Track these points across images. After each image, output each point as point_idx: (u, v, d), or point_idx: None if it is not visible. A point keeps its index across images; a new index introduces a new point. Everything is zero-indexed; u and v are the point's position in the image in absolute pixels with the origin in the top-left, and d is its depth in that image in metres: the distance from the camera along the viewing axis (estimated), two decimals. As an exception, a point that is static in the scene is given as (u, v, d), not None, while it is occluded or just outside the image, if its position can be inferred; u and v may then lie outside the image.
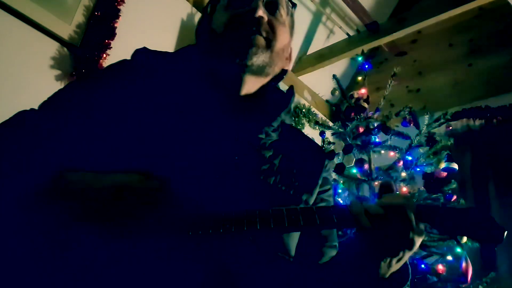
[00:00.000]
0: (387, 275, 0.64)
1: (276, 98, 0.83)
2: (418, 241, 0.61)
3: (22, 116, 0.70)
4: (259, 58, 0.76)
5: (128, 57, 0.82)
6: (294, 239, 0.72)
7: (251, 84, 0.81)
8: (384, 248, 0.62)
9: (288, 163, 0.76)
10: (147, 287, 0.55)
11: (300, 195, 0.75)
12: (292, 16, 0.89)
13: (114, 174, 0.59)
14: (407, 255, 0.62)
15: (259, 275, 0.64)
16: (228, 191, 0.65)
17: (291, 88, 0.87)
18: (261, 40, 0.77)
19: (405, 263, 0.66)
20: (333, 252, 0.79)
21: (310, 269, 0.74)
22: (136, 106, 0.69)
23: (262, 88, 0.83)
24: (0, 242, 0.54)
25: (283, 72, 0.88)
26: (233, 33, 0.77)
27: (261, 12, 0.77)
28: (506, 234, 0.60)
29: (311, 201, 0.78)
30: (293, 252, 0.72)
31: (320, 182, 0.81)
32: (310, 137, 0.94)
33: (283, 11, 0.83)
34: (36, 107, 0.73)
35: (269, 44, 0.79)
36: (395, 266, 0.64)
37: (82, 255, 0.54)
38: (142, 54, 0.81)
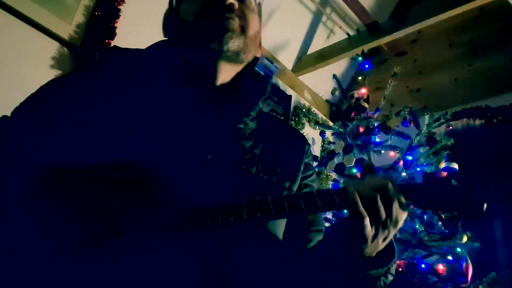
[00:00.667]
0: (374, 254, 0.65)
1: (252, 86, 0.83)
2: (402, 217, 0.63)
3: None
4: (234, 43, 0.76)
5: (100, 59, 0.83)
6: (280, 227, 0.73)
7: (226, 73, 0.80)
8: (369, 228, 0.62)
9: (268, 151, 0.76)
10: (137, 286, 0.55)
11: (283, 182, 0.75)
12: (259, 5, 0.89)
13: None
14: (392, 233, 0.64)
15: (249, 266, 0.64)
16: (210, 183, 0.65)
17: (267, 76, 0.87)
18: (235, 25, 0.77)
19: (391, 241, 0.67)
20: (320, 237, 0.80)
21: (299, 255, 0.75)
22: (111, 105, 0.69)
23: (237, 77, 0.83)
24: None
25: (256, 59, 0.88)
26: (206, 19, 0.77)
27: None
28: (486, 207, 0.62)
29: (295, 188, 0.78)
30: (280, 239, 0.72)
31: (302, 168, 0.82)
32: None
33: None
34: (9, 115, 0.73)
35: (243, 29, 0.79)
36: (382, 245, 0.64)
37: (72, 255, 0.55)
38: (113, 53, 0.81)
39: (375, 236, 0.62)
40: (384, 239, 0.64)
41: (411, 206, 0.65)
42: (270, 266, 0.67)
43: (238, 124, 0.75)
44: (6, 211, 0.57)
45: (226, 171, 0.69)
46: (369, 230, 0.61)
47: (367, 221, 0.60)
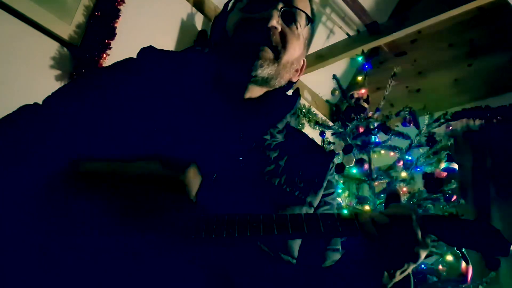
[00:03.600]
0: (389, 286, 0.64)
1: (280, 100, 0.82)
2: (423, 254, 0.60)
3: (27, 110, 0.70)
4: (264, 71, 0.75)
5: (133, 57, 0.82)
6: (297, 241, 0.72)
7: (255, 92, 0.80)
8: (388, 259, 0.61)
9: (293, 164, 0.76)
10: None
11: (305, 196, 0.75)
12: (311, 27, 0.86)
13: (138, 163, 0.58)
14: (411, 267, 0.62)
15: (261, 281, 0.63)
16: (232, 191, 0.65)
17: (296, 91, 0.86)
18: (268, 53, 0.75)
19: (408, 274, 0.65)
20: (336, 256, 0.78)
21: (312, 274, 0.74)
22: (141, 104, 0.69)
23: (267, 93, 0.82)
24: (13, 233, 0.54)
25: (290, 84, 0.86)
26: (242, 39, 0.75)
27: (274, 22, 0.75)
28: None
29: (315, 203, 0.78)
30: (296, 254, 0.71)
31: (324, 184, 0.81)
32: (310, 136, 0.93)
33: (299, 23, 0.80)
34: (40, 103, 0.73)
35: (277, 56, 0.77)
36: (398, 277, 0.63)
37: (88, 250, 0.54)
38: (148, 52, 0.80)
39: (393, 269, 0.61)
40: (402, 272, 0.62)
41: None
42: (282, 284, 0.66)
43: (264, 135, 0.74)
44: (25, 202, 0.56)
45: (248, 180, 0.68)
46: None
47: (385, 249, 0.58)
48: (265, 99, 0.81)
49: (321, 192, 0.79)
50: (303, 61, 0.88)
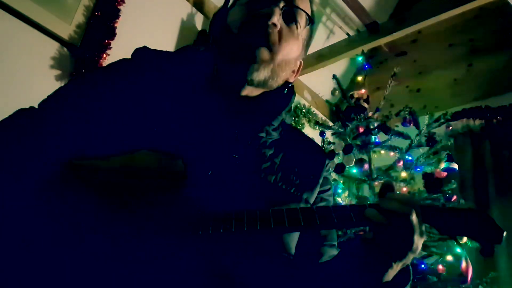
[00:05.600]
0: (391, 278, 0.64)
1: (276, 97, 0.82)
2: (421, 243, 0.61)
3: (23, 114, 0.70)
4: (259, 74, 0.75)
5: (128, 57, 0.82)
6: (293, 238, 0.72)
7: (252, 91, 0.80)
8: (387, 252, 0.61)
9: (289, 161, 0.76)
10: (147, 285, 0.55)
11: (301, 193, 0.75)
12: (311, 29, 0.85)
13: (128, 154, 0.59)
14: (411, 258, 0.62)
15: (259, 276, 0.64)
16: (228, 189, 0.65)
17: (291, 88, 0.86)
18: (265, 54, 0.75)
19: (407, 265, 0.65)
20: (333, 251, 0.79)
21: (310, 269, 0.74)
22: (136, 104, 0.69)
23: (263, 92, 0.82)
24: (14, 234, 0.54)
25: (286, 84, 0.85)
26: (242, 39, 0.75)
27: (275, 19, 0.74)
28: (505, 235, 0.61)
29: (312, 200, 0.78)
30: (293, 251, 0.72)
31: (320, 181, 0.81)
32: (310, 137, 0.94)
33: (299, 23, 0.79)
34: (36, 107, 0.73)
35: (273, 56, 0.76)
36: (398, 268, 0.63)
37: (86, 247, 0.54)
38: (142, 53, 0.81)
39: (393, 261, 0.61)
40: (402, 264, 0.63)
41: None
42: (280, 279, 0.67)
43: (260, 132, 0.74)
44: (24, 200, 0.57)
45: (244, 177, 0.68)
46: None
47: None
48: (260, 97, 0.81)
49: (317, 189, 0.80)
50: (300, 62, 0.87)
